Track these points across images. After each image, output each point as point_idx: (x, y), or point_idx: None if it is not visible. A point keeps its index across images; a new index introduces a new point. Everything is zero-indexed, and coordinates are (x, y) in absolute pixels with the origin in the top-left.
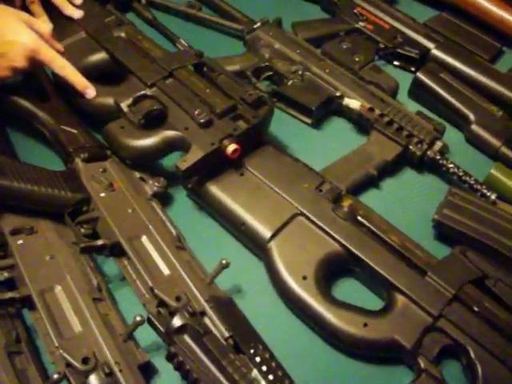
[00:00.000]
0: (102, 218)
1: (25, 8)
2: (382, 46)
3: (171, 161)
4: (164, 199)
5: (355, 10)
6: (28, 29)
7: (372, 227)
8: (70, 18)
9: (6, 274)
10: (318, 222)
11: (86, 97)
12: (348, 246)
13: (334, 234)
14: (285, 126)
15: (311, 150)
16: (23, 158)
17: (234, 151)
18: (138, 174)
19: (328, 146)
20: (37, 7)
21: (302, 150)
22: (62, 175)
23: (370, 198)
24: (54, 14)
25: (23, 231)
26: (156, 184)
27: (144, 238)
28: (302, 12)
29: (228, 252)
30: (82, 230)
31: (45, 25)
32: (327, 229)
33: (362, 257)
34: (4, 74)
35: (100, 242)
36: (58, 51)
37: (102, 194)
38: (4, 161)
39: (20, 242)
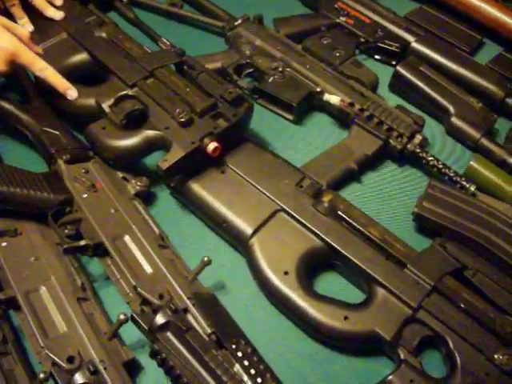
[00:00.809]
0: (85, 219)
1: (5, 11)
2: (362, 40)
3: (154, 160)
4: (147, 198)
5: (336, 5)
6: (7, 33)
7: (352, 221)
8: (51, 20)
9: None
10: (298, 217)
11: (67, 98)
12: (328, 240)
13: (314, 229)
14: (266, 122)
15: (293, 146)
16: (6, 160)
17: (215, 149)
18: (120, 174)
19: (309, 142)
20: (17, 9)
21: (283, 145)
22: (45, 177)
23: (351, 193)
24: (34, 15)
25: (7, 233)
26: (138, 183)
27: (127, 238)
28: (284, 8)
29: (210, 249)
30: (66, 231)
31: (23, 28)
32: (308, 224)
33: (342, 251)
34: None
35: (83, 243)
36: (37, 54)
37: (85, 195)
38: None
39: (4, 244)
